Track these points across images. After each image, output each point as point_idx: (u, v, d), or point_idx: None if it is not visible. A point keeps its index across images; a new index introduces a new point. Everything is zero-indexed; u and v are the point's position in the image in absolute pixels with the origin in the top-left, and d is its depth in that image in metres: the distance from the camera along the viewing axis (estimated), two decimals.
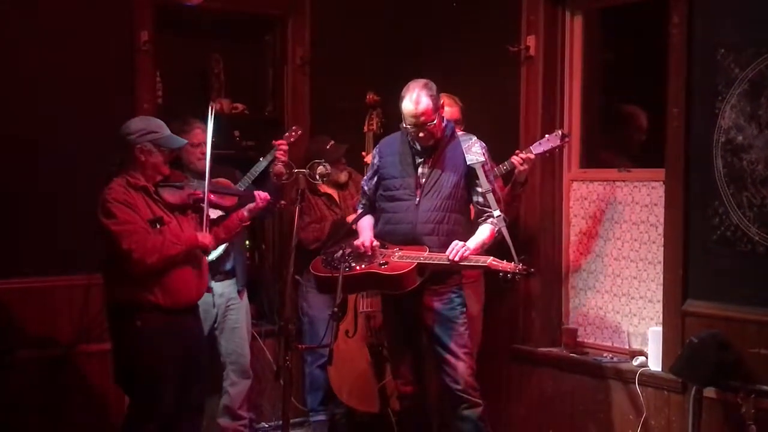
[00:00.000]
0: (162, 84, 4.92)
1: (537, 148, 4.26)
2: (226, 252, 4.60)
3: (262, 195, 4.11)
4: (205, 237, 3.84)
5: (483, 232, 3.83)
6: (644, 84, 4.55)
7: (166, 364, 3.76)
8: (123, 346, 3.80)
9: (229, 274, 4.71)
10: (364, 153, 4.98)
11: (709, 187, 3.87)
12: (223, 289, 4.68)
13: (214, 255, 4.49)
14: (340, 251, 3.90)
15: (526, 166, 4.26)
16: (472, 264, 3.73)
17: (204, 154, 4.50)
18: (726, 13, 3.82)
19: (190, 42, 5.19)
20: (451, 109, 4.40)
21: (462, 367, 3.87)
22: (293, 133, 4.72)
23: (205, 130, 4.55)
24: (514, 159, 4.26)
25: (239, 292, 4.76)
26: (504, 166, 4.30)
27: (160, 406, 3.76)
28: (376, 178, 4.04)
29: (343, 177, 4.98)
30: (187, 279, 3.83)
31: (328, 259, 3.89)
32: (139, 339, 3.72)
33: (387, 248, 3.87)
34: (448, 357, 3.88)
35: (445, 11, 5.20)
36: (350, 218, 4.68)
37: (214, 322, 4.67)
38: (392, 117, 4.71)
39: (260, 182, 4.51)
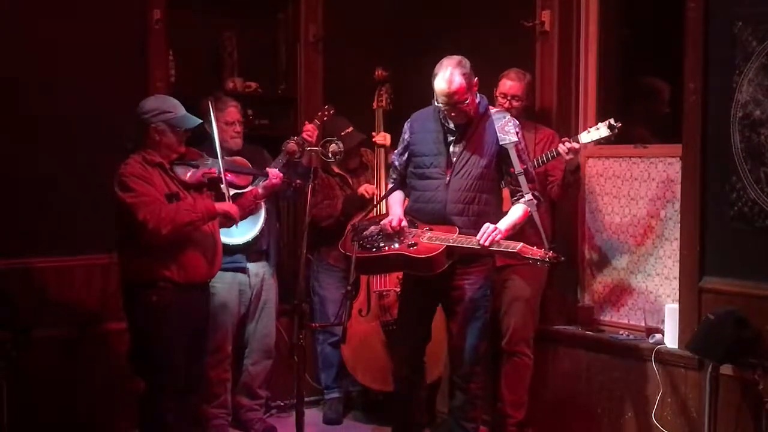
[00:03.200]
0: (175, 62, 4.90)
1: (585, 137, 4.12)
2: (260, 233, 4.59)
3: (274, 172, 4.15)
4: (224, 204, 3.86)
5: (515, 213, 3.77)
6: (660, 59, 4.49)
7: (179, 338, 3.81)
8: (138, 322, 3.84)
9: (264, 255, 4.71)
10: (374, 133, 4.92)
11: (727, 163, 3.83)
12: (258, 269, 4.70)
13: (250, 235, 4.52)
14: (371, 229, 3.86)
15: (572, 156, 4.12)
16: (501, 249, 3.65)
17: (238, 132, 4.56)
18: None
19: (203, 20, 5.17)
20: (512, 83, 4.37)
21: (467, 350, 3.85)
22: (325, 113, 4.70)
23: (239, 109, 4.59)
24: (561, 148, 4.12)
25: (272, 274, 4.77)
26: (550, 153, 4.21)
27: (174, 380, 3.81)
28: (406, 154, 3.96)
29: (352, 163, 4.94)
30: (202, 256, 3.86)
31: (357, 237, 3.84)
32: (154, 314, 3.76)
33: (417, 227, 3.81)
34: (458, 338, 3.86)
35: None
36: (362, 188, 4.72)
37: (249, 301, 4.70)
38: (404, 93, 4.69)
39: (295, 164, 4.52)
